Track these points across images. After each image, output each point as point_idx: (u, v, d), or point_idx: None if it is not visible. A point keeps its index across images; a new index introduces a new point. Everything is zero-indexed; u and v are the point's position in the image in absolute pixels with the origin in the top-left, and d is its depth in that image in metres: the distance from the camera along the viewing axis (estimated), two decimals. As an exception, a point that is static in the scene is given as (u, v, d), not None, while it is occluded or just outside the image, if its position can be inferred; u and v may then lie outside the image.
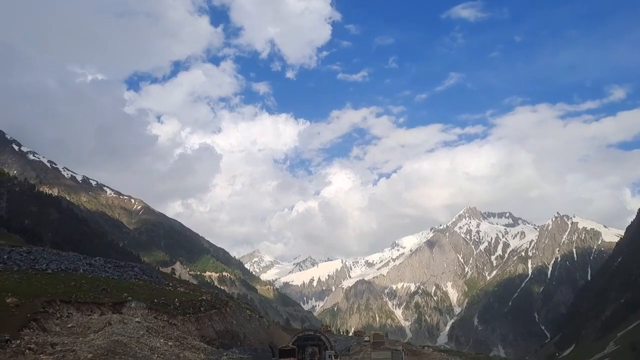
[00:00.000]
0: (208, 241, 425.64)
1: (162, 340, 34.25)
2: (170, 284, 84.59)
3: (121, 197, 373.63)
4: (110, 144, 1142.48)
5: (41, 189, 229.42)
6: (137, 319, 38.24)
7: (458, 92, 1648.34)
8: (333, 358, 74.70)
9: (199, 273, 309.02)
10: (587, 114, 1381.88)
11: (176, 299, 59.90)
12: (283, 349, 62.72)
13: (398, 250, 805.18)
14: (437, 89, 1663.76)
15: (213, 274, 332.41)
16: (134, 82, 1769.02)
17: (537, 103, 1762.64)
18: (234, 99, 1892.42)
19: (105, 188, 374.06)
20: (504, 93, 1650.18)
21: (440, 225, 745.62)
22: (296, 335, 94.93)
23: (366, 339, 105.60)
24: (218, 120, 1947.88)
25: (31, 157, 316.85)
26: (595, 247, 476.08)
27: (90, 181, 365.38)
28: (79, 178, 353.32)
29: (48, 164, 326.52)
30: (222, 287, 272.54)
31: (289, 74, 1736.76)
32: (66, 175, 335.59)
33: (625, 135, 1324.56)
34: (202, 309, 62.61)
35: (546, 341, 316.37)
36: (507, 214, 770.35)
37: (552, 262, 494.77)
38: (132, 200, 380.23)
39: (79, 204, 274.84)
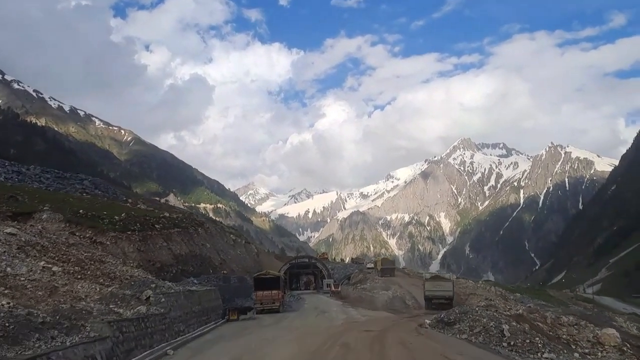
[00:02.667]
0: (202, 173, 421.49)
1: (41, 263, 21.75)
2: (130, 200, 69.46)
3: (110, 127, 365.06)
4: (97, 74, 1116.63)
5: (27, 119, 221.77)
6: (7, 230, 24.75)
7: (455, 19, 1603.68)
8: (332, 287, 65.11)
9: (193, 204, 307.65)
10: (585, 42, 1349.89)
11: (122, 214, 44.65)
12: (260, 277, 42.70)
13: (392, 182, 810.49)
14: (434, 15, 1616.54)
15: (207, 205, 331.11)
16: (120, 9, 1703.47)
17: (535, 30, 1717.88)
18: (224, 27, 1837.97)
19: (94, 118, 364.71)
20: (503, 20, 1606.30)
21: (435, 157, 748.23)
22: (288, 263, 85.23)
23: (369, 265, 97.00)
24: (209, 49, 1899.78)
25: (16, 86, 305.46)
26: (587, 176, 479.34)
27: (78, 111, 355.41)
28: (67, 108, 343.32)
29: (34, 94, 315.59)
30: (217, 219, 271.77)
31: (282, 0, 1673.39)
32: (53, 105, 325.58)
33: (623, 64, 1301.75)
34: (156, 226, 47.41)
35: (536, 268, 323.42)
36: (501, 145, 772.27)
37: (544, 191, 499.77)
38: (122, 131, 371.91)
39: (67, 134, 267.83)
